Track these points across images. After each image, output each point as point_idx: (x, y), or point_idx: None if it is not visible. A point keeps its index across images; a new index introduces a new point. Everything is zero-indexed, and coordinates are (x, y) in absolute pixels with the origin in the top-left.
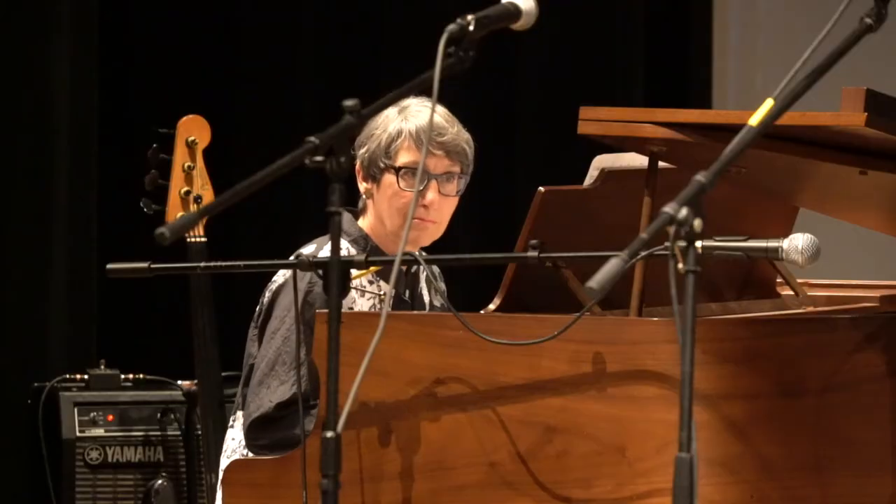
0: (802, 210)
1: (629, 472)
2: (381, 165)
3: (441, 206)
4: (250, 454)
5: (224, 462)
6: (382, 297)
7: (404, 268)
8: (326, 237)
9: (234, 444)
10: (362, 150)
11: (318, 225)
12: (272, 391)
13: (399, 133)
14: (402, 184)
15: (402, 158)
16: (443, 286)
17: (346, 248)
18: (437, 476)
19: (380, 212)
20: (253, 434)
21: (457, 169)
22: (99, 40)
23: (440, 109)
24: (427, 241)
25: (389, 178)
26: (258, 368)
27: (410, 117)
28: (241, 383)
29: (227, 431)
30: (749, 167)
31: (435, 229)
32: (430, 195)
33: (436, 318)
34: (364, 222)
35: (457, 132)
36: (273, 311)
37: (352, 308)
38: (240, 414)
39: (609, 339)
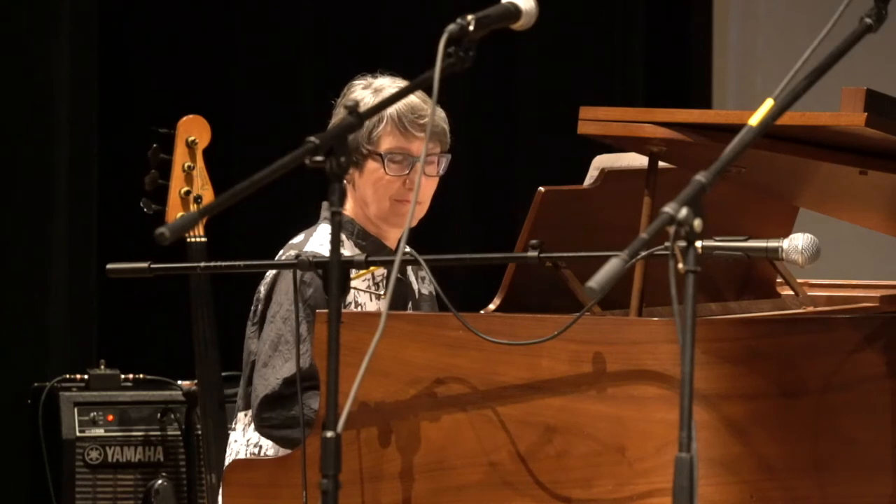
0: (802, 210)
1: (629, 472)
2: (364, 151)
3: (425, 187)
4: (261, 440)
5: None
6: (378, 282)
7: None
8: (313, 228)
9: (236, 447)
10: None
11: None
12: (278, 369)
13: (381, 118)
14: (388, 169)
15: (386, 144)
16: (424, 273)
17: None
18: (437, 476)
19: (363, 196)
20: (262, 413)
21: (437, 149)
22: (99, 40)
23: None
24: (413, 222)
25: (373, 164)
26: (261, 352)
27: None
28: (241, 382)
29: (230, 434)
30: (749, 167)
31: (419, 210)
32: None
33: (436, 318)
34: (346, 206)
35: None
36: (272, 298)
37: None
38: (241, 415)
39: (609, 339)
